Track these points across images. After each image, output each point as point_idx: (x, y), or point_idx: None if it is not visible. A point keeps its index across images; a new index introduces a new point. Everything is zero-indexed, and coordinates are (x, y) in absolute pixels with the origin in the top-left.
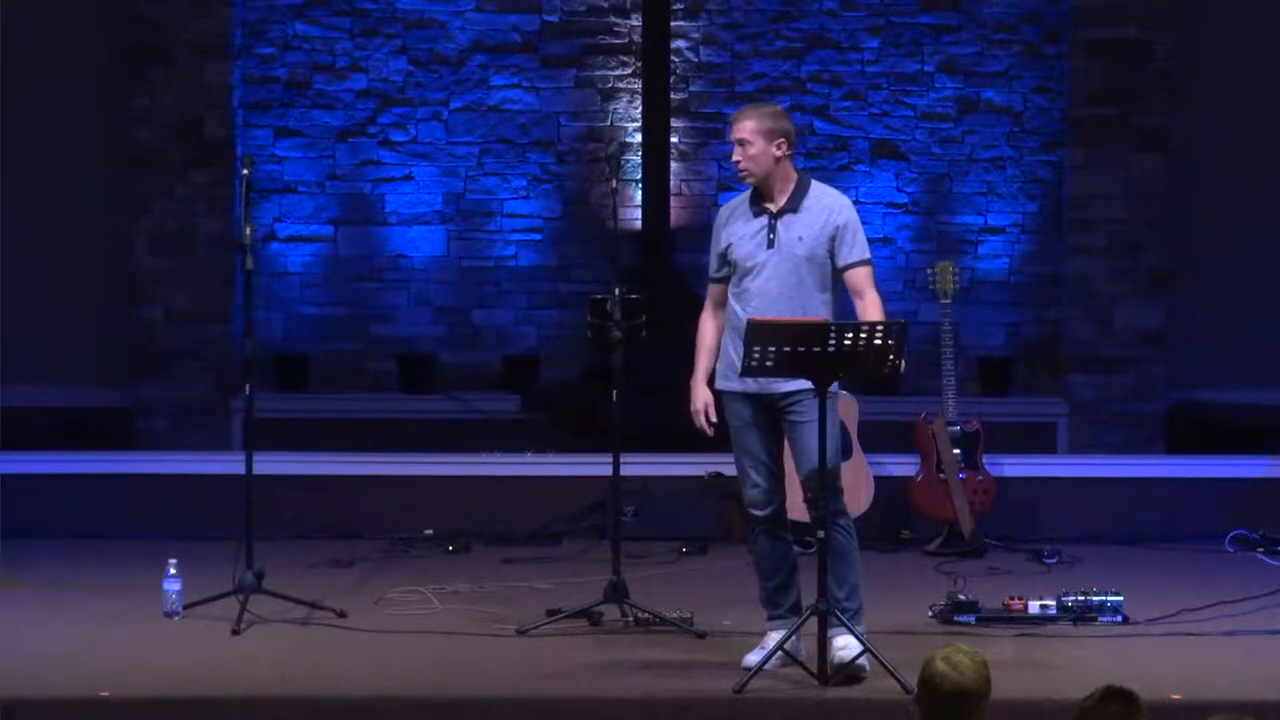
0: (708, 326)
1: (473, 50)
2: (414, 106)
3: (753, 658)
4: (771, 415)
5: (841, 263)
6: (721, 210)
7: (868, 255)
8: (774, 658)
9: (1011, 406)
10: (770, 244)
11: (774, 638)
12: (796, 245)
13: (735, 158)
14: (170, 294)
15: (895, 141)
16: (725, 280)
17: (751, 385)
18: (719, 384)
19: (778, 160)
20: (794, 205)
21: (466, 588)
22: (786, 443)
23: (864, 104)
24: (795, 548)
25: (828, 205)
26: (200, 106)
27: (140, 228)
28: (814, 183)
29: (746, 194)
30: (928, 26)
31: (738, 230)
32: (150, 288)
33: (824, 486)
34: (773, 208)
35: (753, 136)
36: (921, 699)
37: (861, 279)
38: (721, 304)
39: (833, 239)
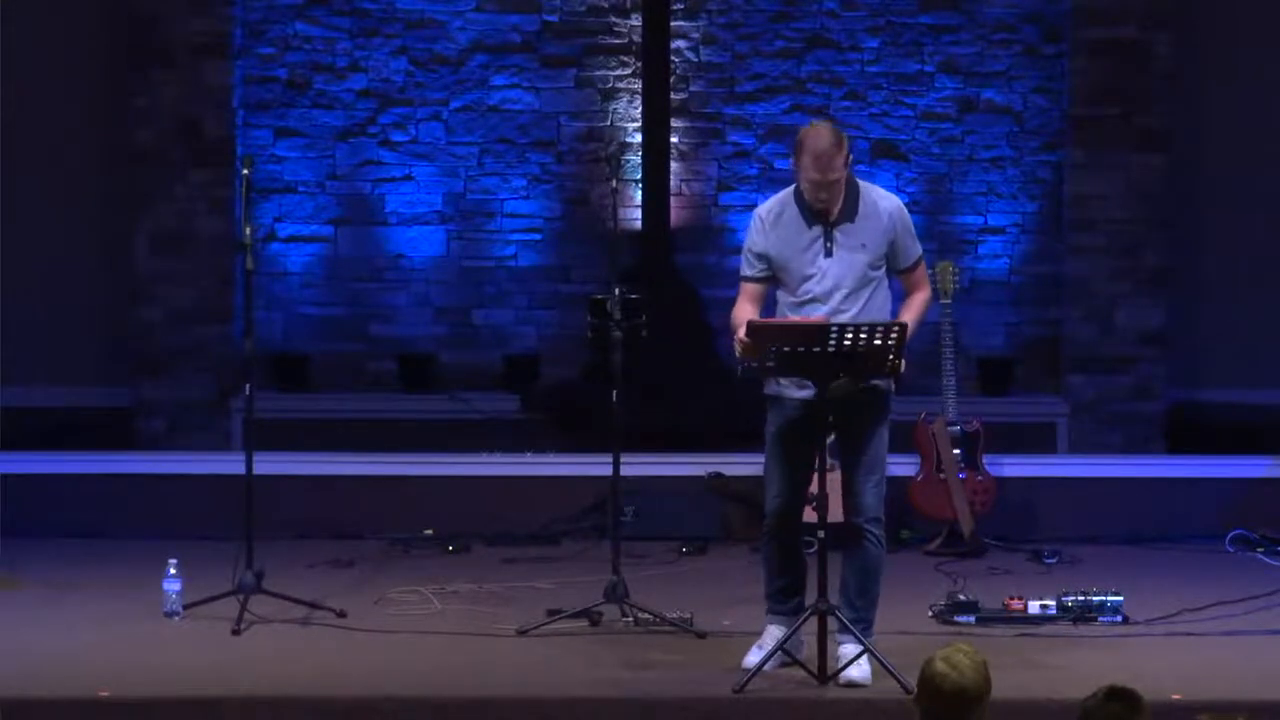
0: (746, 311)
1: (473, 50)
2: (414, 106)
3: (752, 658)
4: (820, 421)
5: (902, 265)
6: (759, 215)
7: (920, 249)
8: (774, 658)
9: (1011, 406)
10: (829, 253)
11: (772, 632)
12: (860, 252)
13: (822, 196)
14: (170, 294)
15: (895, 141)
16: (762, 280)
17: (811, 392)
18: (773, 390)
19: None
20: (850, 213)
21: (466, 588)
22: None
23: (864, 104)
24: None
25: (884, 210)
26: (200, 106)
27: (140, 228)
28: (860, 183)
29: (787, 198)
30: (928, 26)
31: (788, 241)
32: (150, 288)
33: (869, 491)
34: (829, 216)
35: (841, 170)
36: (921, 699)
37: (920, 276)
38: (757, 300)
39: (892, 243)
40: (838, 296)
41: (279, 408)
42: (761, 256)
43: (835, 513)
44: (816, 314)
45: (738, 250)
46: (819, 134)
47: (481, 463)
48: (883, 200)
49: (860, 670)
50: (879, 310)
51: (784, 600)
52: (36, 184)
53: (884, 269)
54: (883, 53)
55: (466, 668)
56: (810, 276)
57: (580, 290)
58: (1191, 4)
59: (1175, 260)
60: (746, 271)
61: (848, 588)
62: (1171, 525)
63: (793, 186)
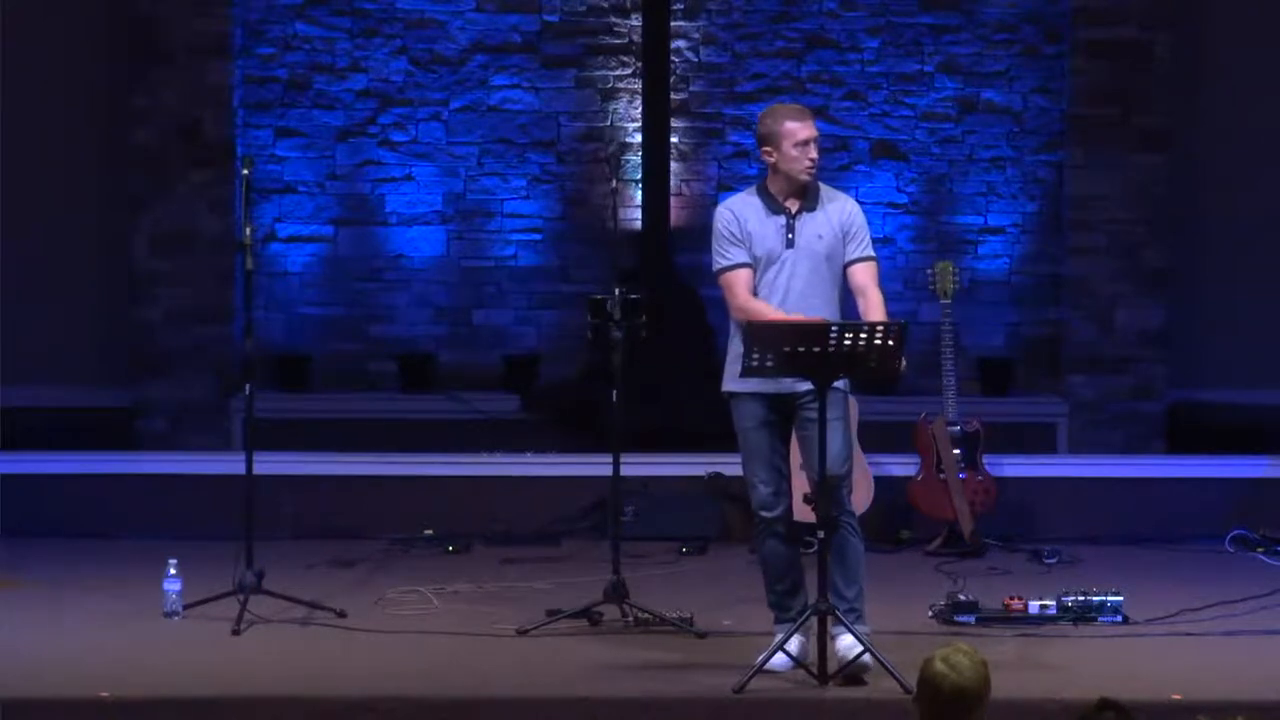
0: (757, 302)
1: (473, 50)
2: (414, 106)
3: (776, 663)
4: (786, 415)
5: (850, 256)
6: (725, 210)
7: (874, 254)
8: (783, 660)
9: (1011, 406)
10: (790, 243)
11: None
12: (817, 243)
13: (813, 155)
14: (170, 294)
15: (895, 141)
16: (751, 265)
17: (770, 386)
18: (732, 386)
19: None
20: (811, 205)
21: (466, 588)
22: (798, 441)
23: (864, 104)
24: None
25: (841, 205)
26: (200, 106)
27: (140, 228)
28: (820, 183)
29: (749, 194)
30: (928, 26)
31: (755, 227)
32: (150, 288)
33: (839, 485)
34: (792, 207)
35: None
36: (921, 699)
37: (867, 274)
38: (752, 288)
39: (846, 235)
40: (798, 284)
41: (279, 408)
42: (743, 240)
43: (805, 513)
44: (775, 299)
45: None
46: (780, 105)
47: (481, 463)
48: (839, 198)
49: (852, 650)
50: (835, 304)
51: (789, 605)
52: (36, 184)
53: (841, 269)
54: (883, 53)
55: (466, 668)
56: (772, 264)
57: (580, 290)
58: (1191, 4)
59: (1175, 260)
60: (735, 259)
61: (834, 581)
62: (1171, 525)
63: (752, 187)
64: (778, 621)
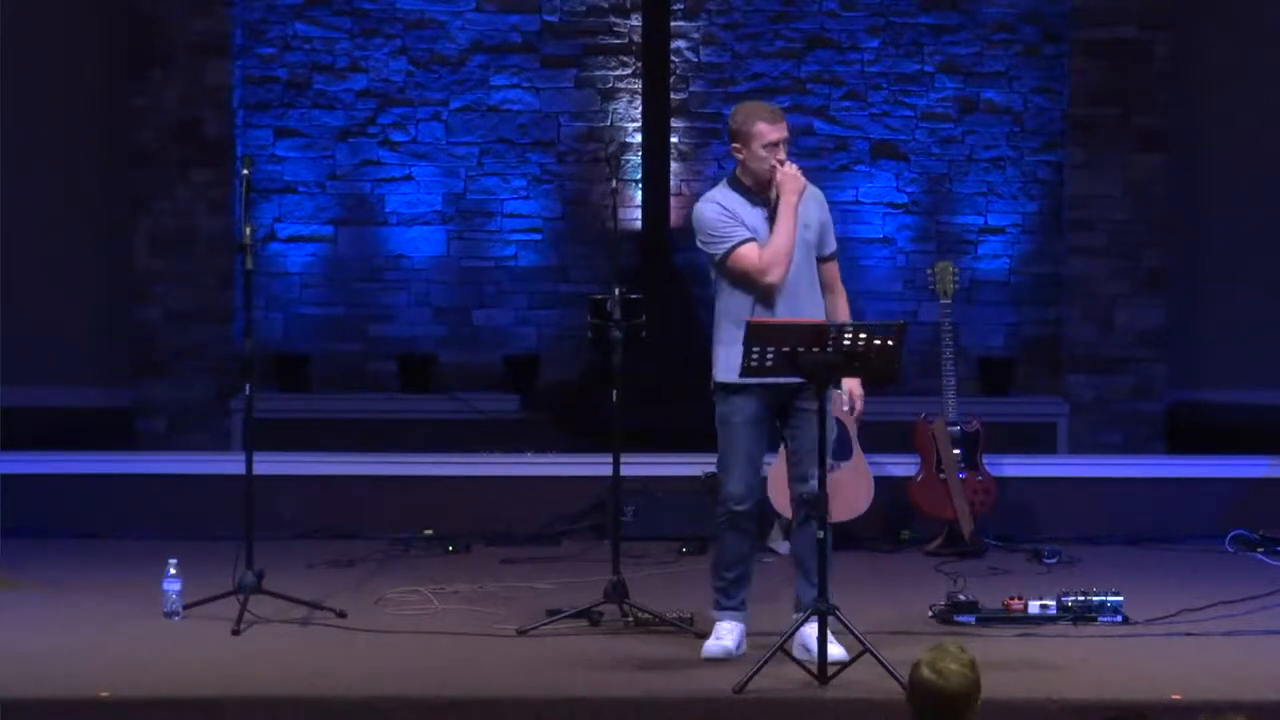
0: (771, 250)
1: (473, 50)
2: (414, 106)
3: (713, 647)
4: (778, 410)
5: (826, 251)
6: (710, 203)
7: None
8: (780, 655)
9: (1011, 406)
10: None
11: (726, 628)
12: (804, 232)
13: (781, 156)
14: (170, 294)
15: (895, 141)
16: (756, 241)
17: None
18: (726, 377)
19: None
20: None
21: (466, 588)
22: (788, 435)
23: (864, 104)
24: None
25: (814, 194)
26: (200, 106)
27: (140, 228)
28: None
29: (725, 188)
30: (928, 26)
31: (746, 218)
32: (150, 288)
33: (823, 481)
34: (771, 198)
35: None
36: (911, 704)
37: (836, 270)
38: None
39: (823, 224)
40: (795, 277)
41: (279, 408)
42: (738, 224)
43: (783, 507)
44: (777, 294)
45: None
46: (755, 104)
47: (481, 463)
48: (811, 185)
49: (838, 649)
50: (818, 296)
51: (734, 594)
52: (36, 184)
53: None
54: (883, 53)
55: (466, 668)
56: None
57: (580, 290)
58: (1191, 4)
59: (1175, 260)
60: (740, 235)
61: (805, 566)
62: (1171, 525)
63: (723, 182)
64: (717, 608)
